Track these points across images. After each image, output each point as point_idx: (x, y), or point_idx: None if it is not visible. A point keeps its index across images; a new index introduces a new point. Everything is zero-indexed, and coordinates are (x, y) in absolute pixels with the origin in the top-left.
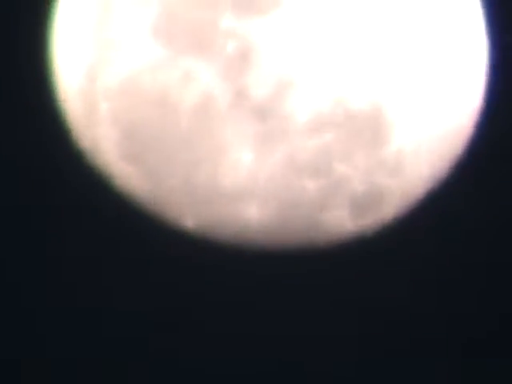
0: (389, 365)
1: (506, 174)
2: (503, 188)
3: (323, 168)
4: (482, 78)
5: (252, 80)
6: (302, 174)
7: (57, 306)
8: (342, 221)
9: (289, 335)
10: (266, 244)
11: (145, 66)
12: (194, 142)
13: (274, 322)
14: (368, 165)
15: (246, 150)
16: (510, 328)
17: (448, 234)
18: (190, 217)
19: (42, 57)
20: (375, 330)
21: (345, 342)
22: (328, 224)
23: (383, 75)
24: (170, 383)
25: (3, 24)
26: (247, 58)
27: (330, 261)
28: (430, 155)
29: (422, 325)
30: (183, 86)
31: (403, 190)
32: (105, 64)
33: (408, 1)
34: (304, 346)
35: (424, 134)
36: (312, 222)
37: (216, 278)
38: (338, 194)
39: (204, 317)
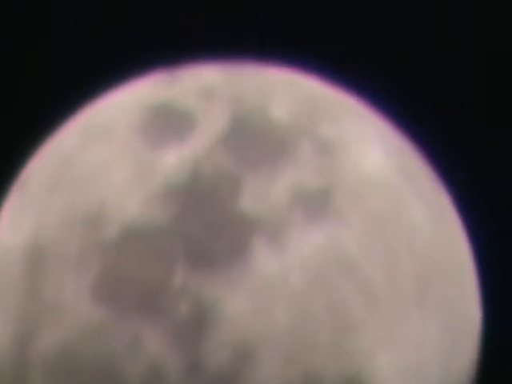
0: None
1: None
2: None
3: None
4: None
5: (208, 348)
6: None
7: None
8: None
9: None
10: None
11: (84, 332)
12: None
13: None
14: None
15: None
16: None
17: None
18: None
19: None
20: None
21: None
22: None
23: (362, 336)
24: None
25: None
26: (202, 321)
27: None
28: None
29: None
30: (128, 355)
31: None
32: (37, 331)
33: None
34: None
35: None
36: None
37: None
38: None
39: None
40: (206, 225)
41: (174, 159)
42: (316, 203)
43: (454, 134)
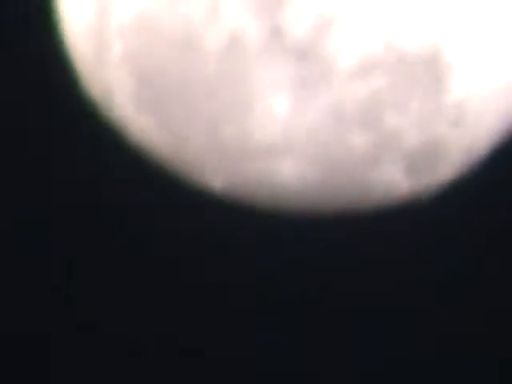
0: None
1: None
2: None
3: (373, 119)
4: None
5: (289, 15)
6: (347, 126)
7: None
8: (395, 180)
9: (324, 311)
10: (305, 207)
11: None
12: (221, 88)
13: (312, 297)
14: (425, 115)
15: (281, 98)
16: None
17: None
18: (217, 176)
19: None
20: (426, 305)
21: (388, 322)
22: (378, 183)
23: (444, 10)
24: None
25: None
26: None
27: (380, 227)
28: (497, 103)
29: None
30: (209, 22)
31: (465, 143)
32: None
33: None
34: (344, 323)
35: (491, 80)
36: (359, 182)
37: (247, 246)
38: (389, 148)
39: (230, 291)
40: None
41: None
42: None
43: None
